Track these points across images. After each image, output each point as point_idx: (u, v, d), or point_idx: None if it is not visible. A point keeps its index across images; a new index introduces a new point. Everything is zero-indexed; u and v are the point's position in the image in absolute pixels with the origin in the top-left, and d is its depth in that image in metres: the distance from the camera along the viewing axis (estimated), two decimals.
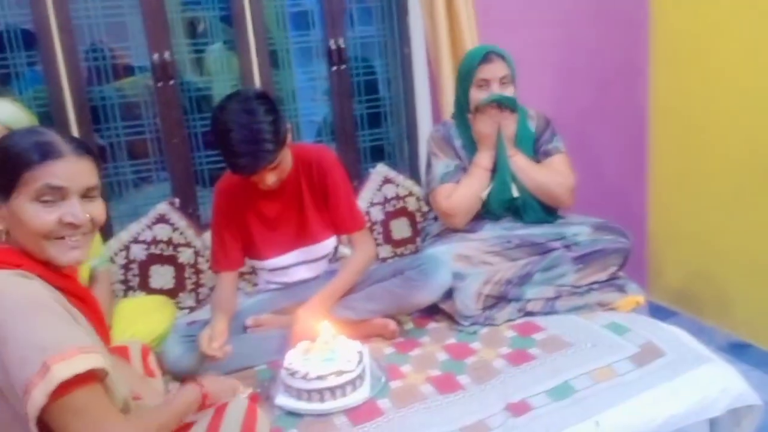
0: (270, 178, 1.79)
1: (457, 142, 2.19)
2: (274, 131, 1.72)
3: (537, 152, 2.18)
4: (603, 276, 2.01)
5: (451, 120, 2.26)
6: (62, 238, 1.11)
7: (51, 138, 1.12)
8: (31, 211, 1.09)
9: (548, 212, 2.15)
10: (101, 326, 1.20)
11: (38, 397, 0.97)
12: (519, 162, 2.10)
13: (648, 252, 3.10)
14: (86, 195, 1.15)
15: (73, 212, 1.11)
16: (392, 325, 1.90)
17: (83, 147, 1.17)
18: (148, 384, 1.54)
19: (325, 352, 1.63)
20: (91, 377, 1.04)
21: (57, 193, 1.10)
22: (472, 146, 2.16)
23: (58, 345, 1.01)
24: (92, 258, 1.93)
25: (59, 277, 1.14)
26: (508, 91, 2.09)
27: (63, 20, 2.25)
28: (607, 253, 2.01)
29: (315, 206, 1.97)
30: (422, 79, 2.66)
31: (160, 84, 2.41)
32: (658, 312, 2.53)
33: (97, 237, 2.01)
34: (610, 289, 2.00)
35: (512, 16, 2.69)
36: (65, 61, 2.27)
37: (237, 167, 1.74)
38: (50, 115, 2.32)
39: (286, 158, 1.84)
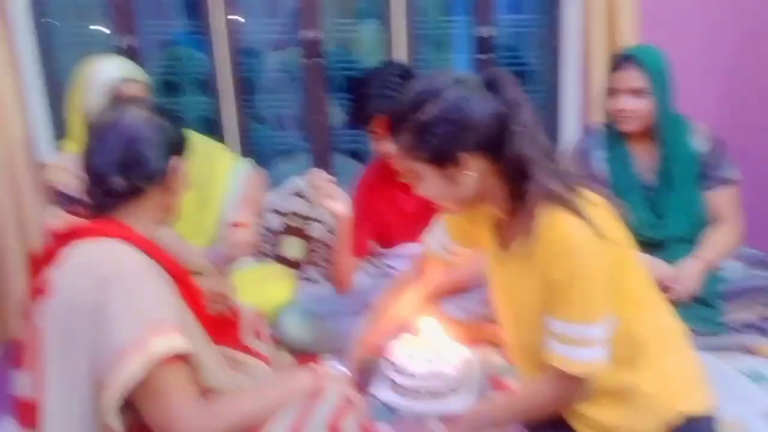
0: (391, 144, 1.78)
1: (600, 154, 2.00)
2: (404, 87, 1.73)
3: (704, 177, 1.93)
4: (752, 317, 1.80)
5: (601, 126, 2.06)
6: None
7: None
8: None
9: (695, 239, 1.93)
10: (199, 309, 1.25)
11: (135, 369, 1.00)
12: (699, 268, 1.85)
13: None
14: None
15: None
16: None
17: None
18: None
19: (430, 351, 1.61)
20: (178, 358, 1.07)
21: None
22: (615, 161, 1.96)
23: (158, 319, 1.05)
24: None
25: (162, 255, 1.20)
26: (643, 105, 1.85)
27: None
28: (759, 292, 1.81)
29: None
30: (572, 76, 2.53)
31: (307, 62, 2.48)
32: None
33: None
34: (755, 332, 1.79)
35: (687, 14, 2.45)
36: (223, 33, 2.40)
37: (362, 108, 1.80)
38: (208, 84, 2.48)
39: None
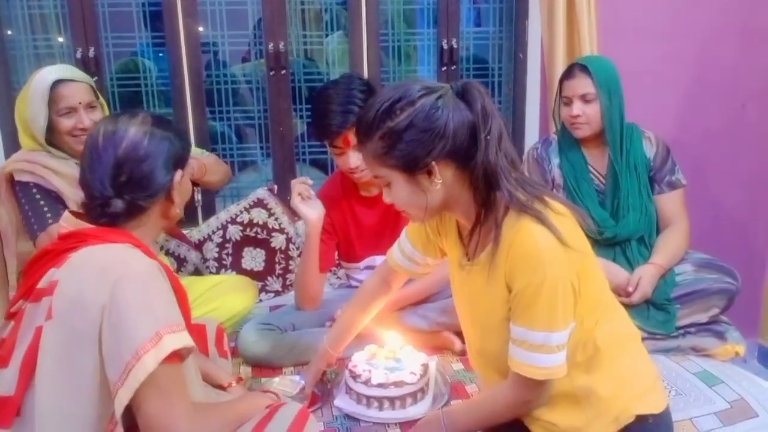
0: (354, 158, 1.78)
1: (555, 161, 2.06)
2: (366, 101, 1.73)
3: (653, 181, 2.00)
4: (703, 318, 1.85)
5: (554, 135, 2.13)
6: None
7: None
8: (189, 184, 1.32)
9: (647, 243, 1.99)
10: (186, 313, 1.23)
11: (149, 362, 1.01)
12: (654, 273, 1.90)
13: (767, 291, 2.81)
14: None
15: None
16: (458, 345, 1.85)
17: None
18: (219, 365, 1.59)
19: (390, 360, 1.62)
20: (180, 356, 1.09)
21: None
22: (569, 166, 2.02)
23: (169, 317, 1.08)
24: None
25: (160, 262, 1.19)
26: (593, 109, 1.92)
27: (188, 5, 2.38)
28: (708, 294, 1.84)
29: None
30: (535, 87, 2.57)
31: (272, 73, 2.48)
32: None
33: None
34: (707, 334, 1.84)
35: (642, 25, 2.51)
36: (186, 45, 2.39)
37: (325, 124, 1.76)
38: (169, 95, 2.47)
39: None
